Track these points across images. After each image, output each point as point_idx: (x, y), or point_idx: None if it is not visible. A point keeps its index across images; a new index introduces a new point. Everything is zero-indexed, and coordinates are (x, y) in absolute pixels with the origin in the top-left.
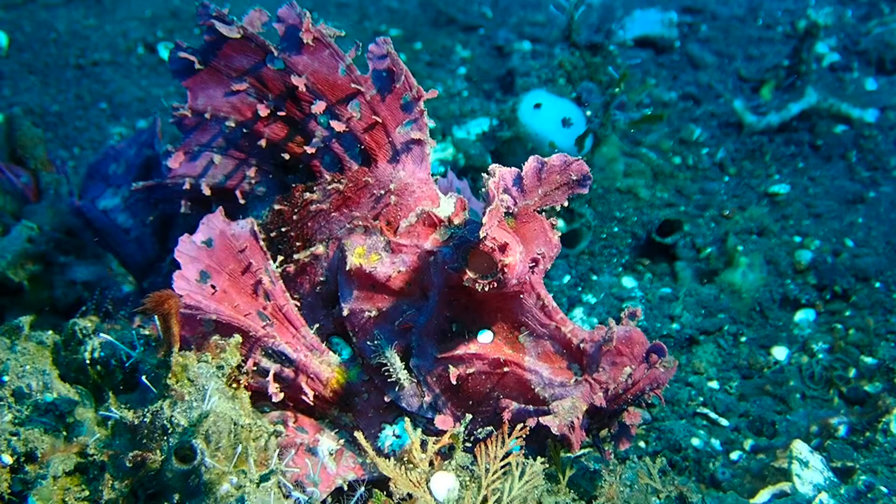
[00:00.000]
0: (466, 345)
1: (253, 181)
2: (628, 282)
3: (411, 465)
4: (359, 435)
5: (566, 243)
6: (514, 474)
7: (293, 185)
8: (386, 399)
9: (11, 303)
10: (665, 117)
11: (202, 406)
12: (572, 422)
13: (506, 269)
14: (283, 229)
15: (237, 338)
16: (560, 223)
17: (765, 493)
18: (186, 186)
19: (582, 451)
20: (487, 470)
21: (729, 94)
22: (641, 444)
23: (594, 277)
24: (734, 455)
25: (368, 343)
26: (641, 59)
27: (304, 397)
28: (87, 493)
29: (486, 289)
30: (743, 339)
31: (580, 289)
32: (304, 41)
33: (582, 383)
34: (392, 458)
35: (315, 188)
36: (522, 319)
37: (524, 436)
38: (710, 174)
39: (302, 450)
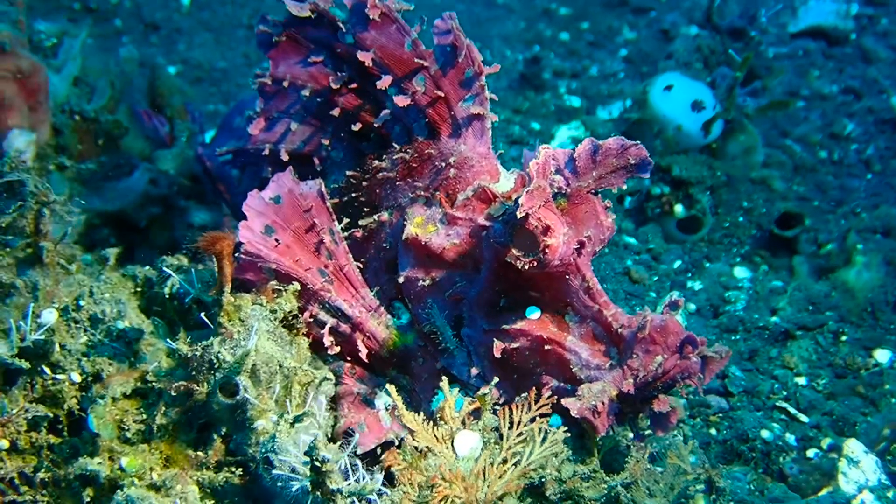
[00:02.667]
0: (514, 320)
1: (329, 148)
2: (741, 272)
3: (442, 422)
4: (391, 388)
5: (686, 229)
6: (536, 440)
7: (366, 153)
8: (438, 365)
9: (140, 240)
10: (792, 104)
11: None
12: (595, 405)
13: (547, 250)
14: (354, 194)
15: (295, 285)
16: (679, 208)
17: (825, 492)
18: (266, 152)
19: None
20: (510, 432)
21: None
22: (713, 431)
23: (707, 265)
24: (810, 452)
25: (421, 311)
26: (802, 50)
27: (359, 354)
28: (143, 416)
29: (527, 267)
30: (844, 338)
31: (689, 275)
32: (370, 17)
33: (616, 368)
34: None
35: (384, 157)
36: (568, 300)
37: (559, 411)
38: (855, 171)
39: (358, 399)
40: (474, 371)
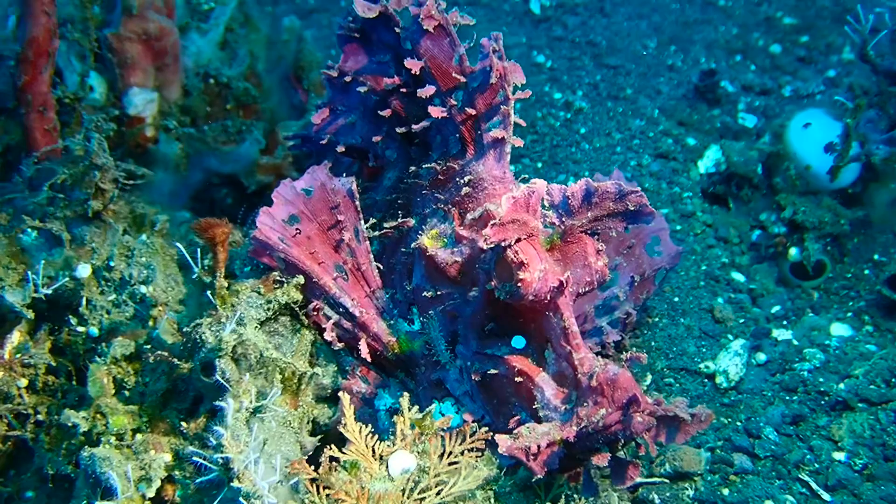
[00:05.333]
0: (499, 346)
1: (383, 147)
2: (839, 329)
3: (396, 439)
4: (344, 396)
5: (800, 274)
6: (462, 473)
7: (413, 158)
8: (433, 377)
9: (258, 203)
10: None
11: (237, 330)
12: (529, 447)
13: (520, 283)
14: (394, 196)
15: (299, 278)
16: (793, 251)
17: None
18: (324, 141)
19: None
20: (439, 461)
21: None
22: (726, 491)
23: (809, 315)
24: None
25: (425, 321)
26: None
27: (359, 353)
28: (140, 379)
29: (503, 297)
30: None
31: (784, 323)
32: (425, 28)
33: (569, 413)
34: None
35: (423, 165)
36: (548, 336)
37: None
38: None
39: (357, 398)
40: (465, 388)
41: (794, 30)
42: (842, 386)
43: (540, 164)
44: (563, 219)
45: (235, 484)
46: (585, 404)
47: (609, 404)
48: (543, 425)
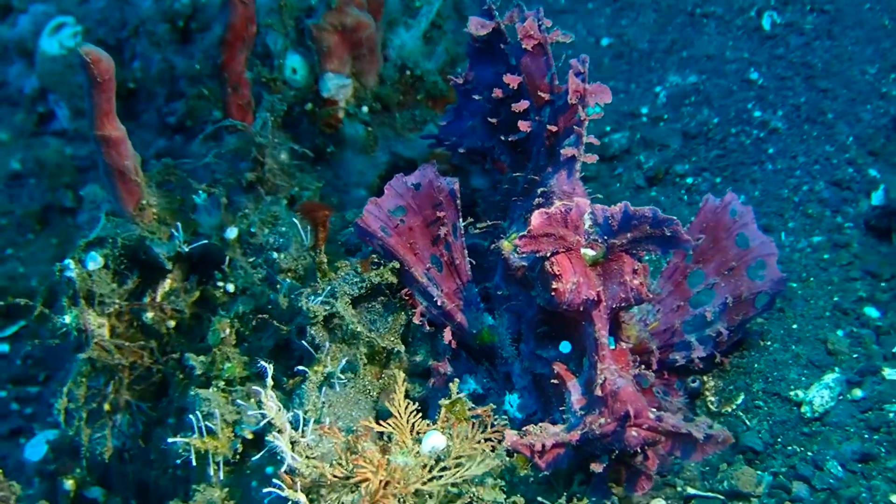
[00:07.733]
0: (549, 349)
1: (498, 152)
2: None
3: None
4: (398, 373)
5: None
6: (476, 459)
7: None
8: (503, 370)
9: None
10: None
11: (328, 301)
12: (534, 444)
13: (554, 293)
14: (497, 198)
15: (394, 263)
16: None
17: None
18: (448, 143)
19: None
20: (460, 445)
21: None
22: None
23: None
24: None
25: (498, 317)
26: None
27: (443, 341)
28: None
29: (542, 304)
30: None
31: None
32: (524, 46)
33: (581, 418)
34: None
35: (516, 174)
36: (584, 344)
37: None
38: None
39: (443, 378)
40: (524, 384)
41: None
42: None
43: (719, 179)
44: (605, 237)
45: (269, 438)
46: (594, 412)
47: (609, 415)
48: (556, 426)
